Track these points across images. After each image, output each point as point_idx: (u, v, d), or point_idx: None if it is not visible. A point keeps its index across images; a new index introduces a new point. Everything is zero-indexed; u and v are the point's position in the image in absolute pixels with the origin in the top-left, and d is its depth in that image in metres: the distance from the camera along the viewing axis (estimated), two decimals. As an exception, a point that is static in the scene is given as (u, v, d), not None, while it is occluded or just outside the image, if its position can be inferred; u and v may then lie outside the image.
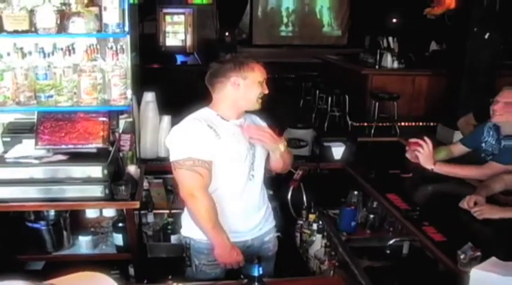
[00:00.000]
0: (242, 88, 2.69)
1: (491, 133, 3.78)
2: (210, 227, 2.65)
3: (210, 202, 2.64)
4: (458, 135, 5.25)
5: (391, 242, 3.18)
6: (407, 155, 3.80)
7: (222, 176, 2.73)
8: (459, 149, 3.97)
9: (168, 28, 12.23)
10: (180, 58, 11.19)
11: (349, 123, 8.74)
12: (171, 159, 2.73)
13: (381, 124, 8.48)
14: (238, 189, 2.76)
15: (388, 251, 3.16)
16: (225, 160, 2.70)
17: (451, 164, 3.67)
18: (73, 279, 1.24)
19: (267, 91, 2.74)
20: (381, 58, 9.34)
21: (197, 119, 2.73)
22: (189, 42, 12.14)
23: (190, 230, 2.86)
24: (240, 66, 2.70)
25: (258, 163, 2.83)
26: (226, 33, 12.07)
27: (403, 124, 8.61)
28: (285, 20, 14.27)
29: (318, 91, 9.60)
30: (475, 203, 3.16)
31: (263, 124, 2.92)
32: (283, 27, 14.25)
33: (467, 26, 7.56)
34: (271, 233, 3.02)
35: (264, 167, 2.90)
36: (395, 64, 9.24)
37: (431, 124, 8.47)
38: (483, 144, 3.82)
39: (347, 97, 8.75)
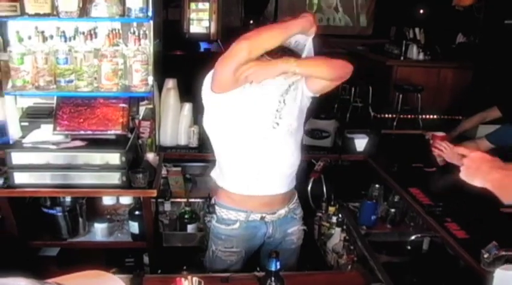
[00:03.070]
0: None
1: None
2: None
3: None
4: (482, 129, 5.10)
5: (412, 237, 3.11)
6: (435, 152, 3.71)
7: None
8: (485, 145, 3.78)
9: (193, 15, 12.20)
10: (203, 46, 11.15)
11: (372, 114, 8.64)
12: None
13: (403, 116, 8.37)
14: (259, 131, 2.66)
15: (408, 247, 3.09)
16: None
17: None
18: (79, 278, 1.19)
19: None
20: (407, 49, 9.21)
21: None
22: (213, 29, 12.10)
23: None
24: None
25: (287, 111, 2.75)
26: (251, 21, 11.98)
27: (426, 116, 8.48)
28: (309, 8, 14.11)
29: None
30: None
31: None
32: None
33: (496, 18, 7.40)
34: (296, 225, 2.95)
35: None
36: (421, 56, 9.08)
37: (455, 117, 8.32)
38: None
39: (370, 88, 8.65)
